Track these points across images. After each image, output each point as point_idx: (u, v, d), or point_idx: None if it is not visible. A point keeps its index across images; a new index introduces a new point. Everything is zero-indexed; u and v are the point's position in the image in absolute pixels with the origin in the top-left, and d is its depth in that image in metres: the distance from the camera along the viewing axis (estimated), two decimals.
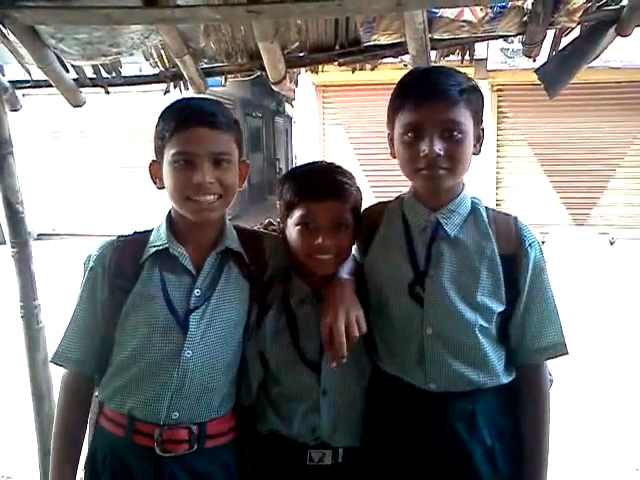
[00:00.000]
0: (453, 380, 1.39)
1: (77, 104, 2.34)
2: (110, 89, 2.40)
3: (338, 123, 11.23)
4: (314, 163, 1.62)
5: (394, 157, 1.47)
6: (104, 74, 2.31)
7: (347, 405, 1.49)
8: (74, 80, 2.31)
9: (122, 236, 1.51)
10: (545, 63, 2.13)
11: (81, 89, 2.33)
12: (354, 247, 1.57)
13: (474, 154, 1.41)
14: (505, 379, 1.41)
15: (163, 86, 2.42)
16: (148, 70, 2.38)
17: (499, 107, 10.71)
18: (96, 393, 1.54)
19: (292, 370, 1.48)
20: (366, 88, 10.45)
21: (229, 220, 1.56)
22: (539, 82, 2.18)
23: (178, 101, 1.47)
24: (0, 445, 3.84)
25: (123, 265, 1.44)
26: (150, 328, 1.40)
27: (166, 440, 1.39)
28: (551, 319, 1.41)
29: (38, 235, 10.63)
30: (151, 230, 1.52)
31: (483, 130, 1.43)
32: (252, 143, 16.75)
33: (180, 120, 1.37)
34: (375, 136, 10.91)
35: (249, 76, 2.34)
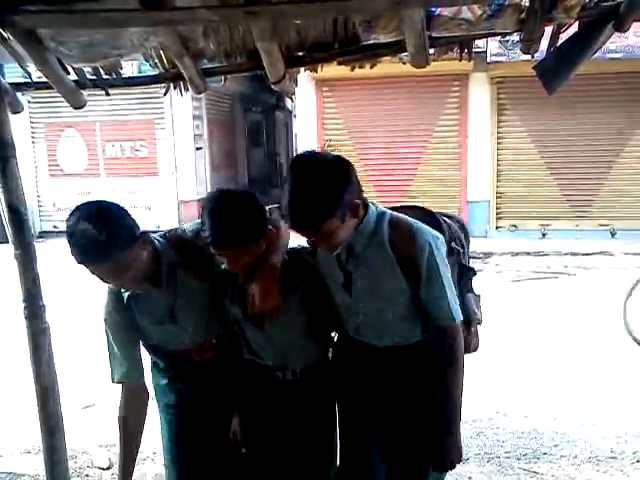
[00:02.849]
0: (382, 342, 1.94)
1: (78, 105, 2.35)
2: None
3: (338, 117, 11.22)
4: (222, 207, 1.86)
5: None
6: (104, 75, 2.32)
7: (291, 345, 2.05)
8: (74, 82, 2.32)
9: (108, 293, 2.04)
10: (543, 60, 2.13)
11: (81, 90, 2.34)
12: None
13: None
14: (419, 338, 1.95)
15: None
16: (148, 69, 2.40)
17: (499, 99, 10.68)
18: None
19: (246, 327, 2.05)
20: (365, 82, 10.45)
21: None
22: None
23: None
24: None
25: (120, 310, 2.03)
26: (156, 331, 2.10)
27: (193, 352, 2.13)
28: (443, 298, 1.84)
29: (39, 233, 10.67)
30: None
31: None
32: (252, 138, 16.73)
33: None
34: (374, 129, 10.94)
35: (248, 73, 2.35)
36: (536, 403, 4.25)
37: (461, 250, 2.09)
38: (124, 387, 2.08)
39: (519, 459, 3.51)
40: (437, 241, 1.86)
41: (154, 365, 2.27)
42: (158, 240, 2.03)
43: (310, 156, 1.81)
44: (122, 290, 1.99)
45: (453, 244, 2.05)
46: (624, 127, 10.43)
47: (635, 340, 5.14)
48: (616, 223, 10.61)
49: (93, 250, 1.72)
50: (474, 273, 2.17)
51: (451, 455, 1.92)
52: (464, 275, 2.12)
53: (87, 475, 3.46)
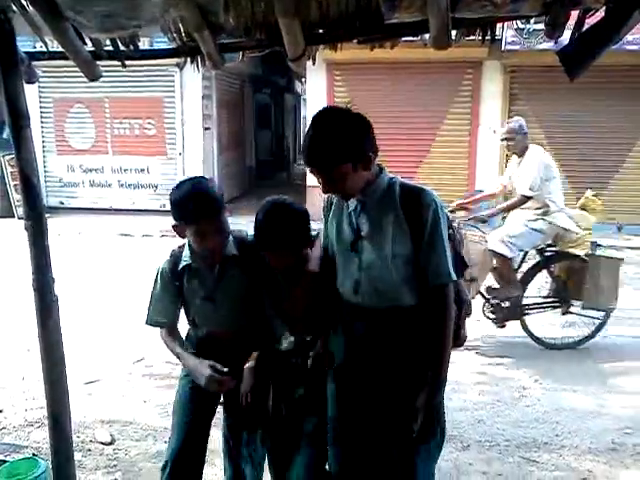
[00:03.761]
0: (378, 302, 2.04)
1: (93, 77, 2.32)
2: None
3: (348, 100, 11.14)
4: (271, 213, 2.13)
5: None
6: (121, 47, 2.29)
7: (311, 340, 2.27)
8: (90, 53, 2.29)
9: (170, 254, 2.44)
10: (567, 45, 2.09)
11: (97, 62, 2.31)
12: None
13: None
14: (414, 302, 2.03)
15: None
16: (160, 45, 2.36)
17: (511, 89, 10.56)
18: None
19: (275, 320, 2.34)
20: (378, 66, 10.36)
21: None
22: (554, 64, 2.15)
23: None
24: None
25: (173, 272, 2.40)
26: (196, 306, 2.42)
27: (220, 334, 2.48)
28: (443, 257, 1.97)
29: (46, 209, 10.66)
30: (183, 247, 2.42)
31: None
32: (260, 120, 16.66)
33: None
34: (385, 114, 10.85)
35: (266, 51, 2.31)
36: (537, 393, 4.27)
37: (457, 238, 2.24)
38: (158, 327, 2.49)
39: (519, 447, 3.52)
40: (441, 204, 2.01)
41: (187, 337, 2.58)
42: None
43: (335, 107, 2.02)
44: (183, 258, 2.37)
45: (451, 231, 2.15)
46: (637, 122, 10.33)
47: None
48: (623, 218, 10.54)
49: (209, 207, 2.18)
50: (466, 266, 2.35)
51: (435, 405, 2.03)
52: (457, 262, 2.21)
53: (89, 450, 3.48)
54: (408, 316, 2.04)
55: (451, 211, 5.13)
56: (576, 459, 3.42)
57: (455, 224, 4.79)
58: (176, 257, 2.41)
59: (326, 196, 2.18)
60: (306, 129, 1.97)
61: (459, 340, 2.19)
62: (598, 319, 4.97)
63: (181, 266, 2.37)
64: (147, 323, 2.46)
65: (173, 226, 2.29)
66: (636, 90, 10.17)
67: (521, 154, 5.14)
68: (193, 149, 11.73)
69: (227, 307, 2.39)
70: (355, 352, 2.15)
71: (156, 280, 2.44)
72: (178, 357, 2.44)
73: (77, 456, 3.30)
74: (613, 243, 9.61)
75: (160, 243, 9.81)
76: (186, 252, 2.38)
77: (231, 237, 2.37)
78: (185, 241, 2.39)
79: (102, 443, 3.54)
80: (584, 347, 5.12)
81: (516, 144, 5.14)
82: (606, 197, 10.65)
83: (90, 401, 4.06)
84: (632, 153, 10.47)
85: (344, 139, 1.89)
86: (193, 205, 2.17)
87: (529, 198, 4.92)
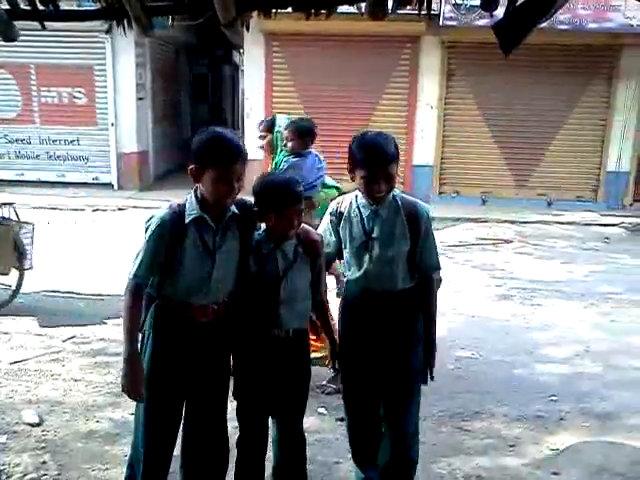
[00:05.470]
0: (380, 286, 2.60)
1: (10, 38, 2.16)
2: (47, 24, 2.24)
3: (286, 73, 10.99)
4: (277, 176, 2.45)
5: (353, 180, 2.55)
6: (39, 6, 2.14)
7: (296, 307, 2.50)
8: (6, 12, 2.13)
9: (171, 208, 2.31)
10: (501, 19, 2.11)
11: (15, 22, 2.16)
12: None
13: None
14: (408, 285, 2.61)
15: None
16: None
17: (449, 64, 10.67)
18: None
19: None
20: (317, 39, 10.25)
21: None
22: (491, 41, 2.17)
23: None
24: None
25: (174, 226, 2.27)
26: (194, 262, 2.30)
27: (198, 312, 2.38)
28: (434, 252, 2.62)
29: None
30: (184, 204, 2.32)
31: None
32: (197, 91, 16.23)
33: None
34: (324, 88, 10.79)
35: (198, 18, 2.22)
36: (471, 365, 4.41)
37: None
38: (135, 283, 2.30)
39: (452, 417, 3.63)
40: (429, 212, 2.63)
41: (157, 310, 2.41)
42: None
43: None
44: (189, 212, 2.29)
45: None
46: (568, 100, 10.66)
47: None
48: (553, 193, 10.93)
49: (242, 150, 2.25)
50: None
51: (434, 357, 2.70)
52: None
53: (15, 432, 3.33)
54: (402, 297, 2.61)
55: None
56: (505, 426, 3.55)
57: None
58: (177, 213, 2.30)
59: (335, 208, 2.65)
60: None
61: None
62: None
63: (188, 220, 2.28)
64: (133, 277, 2.26)
65: (192, 168, 2.25)
66: (568, 68, 10.49)
67: None
68: (126, 120, 11.31)
69: (224, 268, 2.35)
70: (361, 322, 2.66)
71: (154, 232, 2.27)
72: (130, 333, 2.27)
73: (2, 439, 3.18)
74: (542, 218, 10.02)
75: (91, 217, 9.50)
76: (192, 206, 2.29)
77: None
78: (181, 200, 2.34)
79: (30, 424, 3.41)
80: (516, 318, 5.34)
81: None
82: (538, 173, 11.03)
83: (17, 382, 3.91)
84: (563, 130, 10.82)
85: (395, 146, 2.47)
86: (230, 146, 2.22)
87: None
